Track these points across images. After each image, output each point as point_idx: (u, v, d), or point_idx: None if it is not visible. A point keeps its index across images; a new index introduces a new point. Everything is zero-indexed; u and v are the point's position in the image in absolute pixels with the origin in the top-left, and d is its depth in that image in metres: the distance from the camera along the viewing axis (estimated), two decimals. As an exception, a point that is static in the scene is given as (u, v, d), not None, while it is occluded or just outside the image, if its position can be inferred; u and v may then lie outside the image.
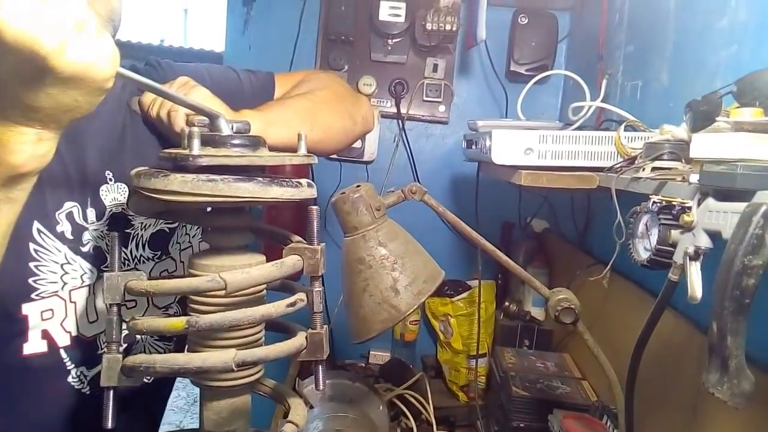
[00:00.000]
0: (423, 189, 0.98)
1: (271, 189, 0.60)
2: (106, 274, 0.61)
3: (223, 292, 0.58)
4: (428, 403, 1.52)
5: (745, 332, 0.53)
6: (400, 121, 1.97)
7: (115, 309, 0.61)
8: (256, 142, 0.63)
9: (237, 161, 0.60)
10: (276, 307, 0.62)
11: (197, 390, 0.70)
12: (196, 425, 0.74)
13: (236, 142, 0.61)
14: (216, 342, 0.64)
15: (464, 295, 1.83)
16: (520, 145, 1.03)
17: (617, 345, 1.18)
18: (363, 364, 1.89)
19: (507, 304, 1.83)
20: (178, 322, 0.58)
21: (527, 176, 1.02)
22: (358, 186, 0.98)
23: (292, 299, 0.63)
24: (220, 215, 0.67)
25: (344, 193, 0.97)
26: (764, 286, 0.52)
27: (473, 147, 1.27)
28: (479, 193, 1.64)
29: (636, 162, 0.91)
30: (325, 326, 0.66)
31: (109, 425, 0.60)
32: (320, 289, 0.66)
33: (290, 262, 0.63)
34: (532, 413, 1.35)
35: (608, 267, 0.92)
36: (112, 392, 0.61)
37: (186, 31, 9.69)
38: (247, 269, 0.60)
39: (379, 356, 1.94)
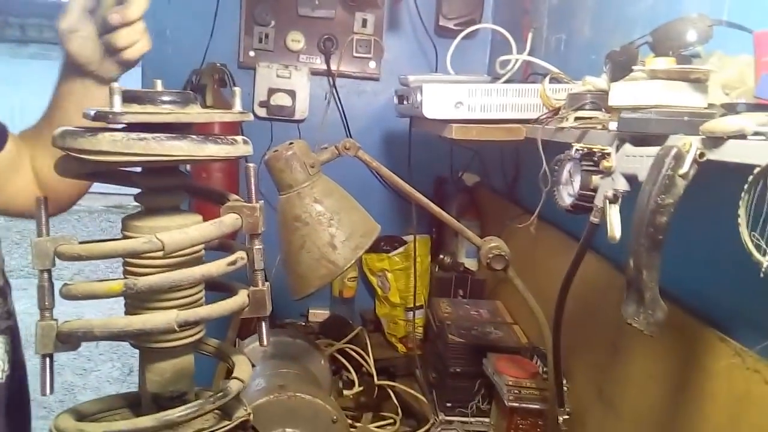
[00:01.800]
0: (357, 145, 0.99)
1: (206, 146, 0.59)
2: (33, 240, 0.59)
3: (160, 254, 0.57)
4: (368, 356, 1.56)
5: (659, 267, 0.57)
6: (330, 78, 1.94)
7: (45, 275, 0.60)
8: (186, 99, 0.61)
9: (163, 118, 0.58)
10: (216, 266, 0.62)
11: (132, 361, 0.69)
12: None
13: (165, 98, 0.59)
14: (155, 304, 0.64)
15: (400, 250, 1.86)
16: (450, 99, 1.05)
17: (545, 289, 1.24)
18: (303, 323, 1.91)
19: (441, 256, 1.88)
20: (115, 286, 0.57)
21: (458, 129, 1.04)
22: (291, 143, 0.98)
23: (232, 258, 0.63)
24: (153, 175, 0.65)
25: (277, 150, 0.97)
26: (674, 224, 0.56)
27: (405, 102, 1.28)
28: (412, 148, 1.66)
29: (560, 113, 0.95)
30: (267, 283, 0.66)
31: (48, 392, 0.60)
32: (260, 246, 0.66)
33: (229, 220, 0.63)
34: (467, 358, 1.41)
35: (535, 214, 0.96)
36: (48, 359, 0.60)
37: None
38: (185, 229, 0.59)
39: (319, 314, 1.96)
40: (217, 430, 0.65)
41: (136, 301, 0.64)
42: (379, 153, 1.99)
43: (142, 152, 0.55)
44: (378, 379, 1.51)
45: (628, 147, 0.67)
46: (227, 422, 0.66)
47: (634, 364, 0.98)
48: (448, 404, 1.42)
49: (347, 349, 1.56)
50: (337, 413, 1.04)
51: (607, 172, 0.69)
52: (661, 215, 0.55)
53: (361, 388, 1.48)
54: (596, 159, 0.71)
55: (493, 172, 1.80)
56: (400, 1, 1.88)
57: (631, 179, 0.67)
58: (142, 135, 0.55)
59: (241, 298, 0.65)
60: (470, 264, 1.90)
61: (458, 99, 1.04)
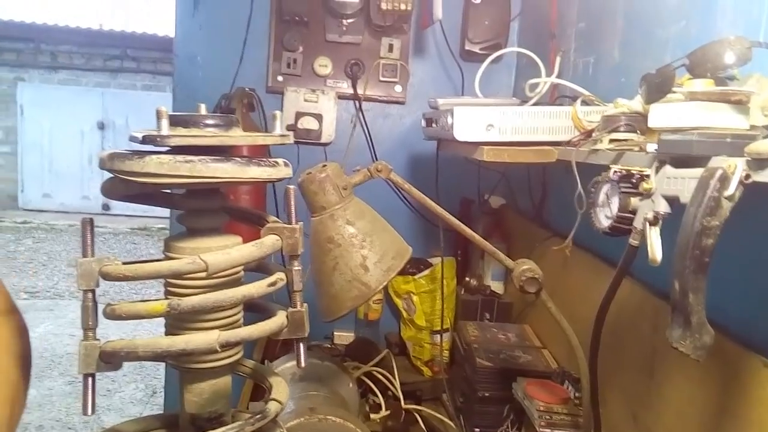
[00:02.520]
0: (389, 167, 0.99)
1: (250, 169, 0.60)
2: (79, 260, 0.60)
3: (203, 274, 0.57)
4: (395, 379, 1.55)
5: (705, 290, 0.56)
6: (357, 102, 1.96)
7: (89, 295, 0.60)
8: (229, 122, 0.62)
9: (208, 141, 0.60)
10: (257, 288, 0.63)
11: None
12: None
13: (209, 122, 0.61)
14: (196, 324, 0.64)
15: (426, 272, 1.85)
16: (482, 122, 1.05)
17: (575, 313, 1.23)
18: (328, 345, 1.90)
19: (467, 279, 1.87)
20: (158, 306, 0.58)
21: (489, 152, 1.04)
22: (324, 165, 0.98)
23: (272, 279, 0.64)
24: (196, 197, 0.66)
25: (311, 173, 0.98)
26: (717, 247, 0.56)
27: (433, 125, 1.29)
28: (438, 171, 1.67)
29: (593, 135, 0.95)
30: (305, 304, 0.67)
31: (89, 412, 0.61)
32: (299, 267, 0.67)
33: (269, 241, 0.64)
34: (496, 383, 1.39)
35: (570, 236, 0.95)
36: (91, 379, 0.61)
37: (128, 14, 9.34)
38: (228, 250, 0.60)
39: (344, 337, 1.96)
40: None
41: (178, 321, 0.65)
42: (405, 176, 1.97)
43: (188, 174, 0.56)
44: (405, 403, 1.50)
45: (668, 169, 0.66)
46: None
47: (672, 389, 0.96)
48: (477, 429, 1.40)
49: (374, 372, 1.55)
50: (368, 437, 1.03)
51: (647, 194, 0.69)
52: (707, 237, 0.55)
53: (388, 412, 1.46)
54: (635, 181, 0.71)
55: (520, 194, 1.80)
56: (427, 27, 1.91)
57: (672, 201, 0.66)
58: (188, 158, 0.57)
59: (280, 319, 0.65)
60: (497, 287, 1.89)
61: (489, 122, 1.05)
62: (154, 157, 0.57)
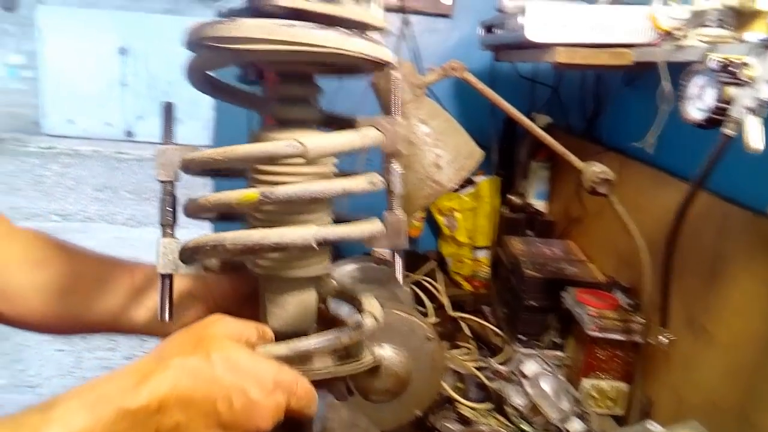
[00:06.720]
0: (464, 66, 0.99)
1: (356, 41, 0.52)
2: (159, 147, 0.54)
3: (297, 165, 0.53)
4: (441, 289, 1.59)
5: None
6: (403, 15, 1.92)
7: (168, 187, 0.54)
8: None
9: (314, 7, 0.51)
10: (357, 182, 0.55)
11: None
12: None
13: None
14: (285, 222, 0.57)
15: (470, 189, 1.87)
16: (556, 21, 1.03)
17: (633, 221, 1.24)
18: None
19: (511, 197, 1.89)
20: (250, 194, 0.51)
21: (563, 53, 1.02)
22: (398, 63, 0.98)
23: (370, 176, 0.57)
24: (289, 82, 0.59)
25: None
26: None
27: (496, 31, 1.26)
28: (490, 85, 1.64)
29: (677, 33, 0.93)
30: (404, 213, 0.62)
31: (167, 317, 0.56)
32: (399, 168, 0.60)
33: (373, 133, 0.57)
34: (543, 292, 1.42)
35: (651, 131, 0.94)
36: (168, 281, 0.55)
37: (143, -68, 9.04)
38: (328, 134, 0.54)
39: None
40: (342, 370, 0.61)
41: (265, 222, 0.58)
42: (452, 95, 1.97)
43: (290, 40, 0.49)
44: (452, 311, 1.55)
45: (775, 53, 0.66)
46: (357, 362, 0.63)
47: (733, 289, 0.97)
48: (522, 337, 1.45)
49: (422, 281, 1.59)
50: (432, 332, 1.07)
51: (748, 82, 0.68)
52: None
53: (438, 320, 1.51)
54: (734, 70, 0.70)
55: (571, 110, 1.78)
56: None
57: (777, 87, 0.65)
58: (290, 22, 0.50)
59: (376, 224, 0.59)
60: (539, 205, 1.90)
61: (563, 21, 1.02)
62: (251, 20, 0.49)
